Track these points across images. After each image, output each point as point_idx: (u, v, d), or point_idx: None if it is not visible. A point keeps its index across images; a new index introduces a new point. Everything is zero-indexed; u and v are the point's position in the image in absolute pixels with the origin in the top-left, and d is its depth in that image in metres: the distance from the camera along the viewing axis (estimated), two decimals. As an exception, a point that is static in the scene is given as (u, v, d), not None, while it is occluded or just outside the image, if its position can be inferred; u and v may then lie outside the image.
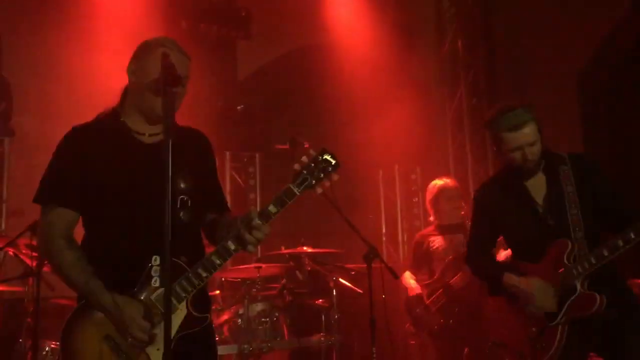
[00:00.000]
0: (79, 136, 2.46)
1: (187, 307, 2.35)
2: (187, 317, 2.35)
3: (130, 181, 2.39)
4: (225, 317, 4.47)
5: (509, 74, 6.82)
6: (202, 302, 2.43)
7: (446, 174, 5.54)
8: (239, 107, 6.72)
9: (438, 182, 4.73)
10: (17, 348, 4.49)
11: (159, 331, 2.24)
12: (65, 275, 2.36)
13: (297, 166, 2.36)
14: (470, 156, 7.09)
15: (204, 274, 2.34)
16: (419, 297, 4.48)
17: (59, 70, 5.75)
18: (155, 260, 2.33)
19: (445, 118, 7.34)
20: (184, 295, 2.33)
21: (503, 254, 4.26)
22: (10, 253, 4.57)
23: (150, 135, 2.47)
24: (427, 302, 4.46)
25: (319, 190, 2.37)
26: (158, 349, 2.28)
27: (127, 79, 2.51)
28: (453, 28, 7.27)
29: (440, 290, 4.45)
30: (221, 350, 4.23)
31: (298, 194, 2.34)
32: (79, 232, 2.49)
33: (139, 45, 2.51)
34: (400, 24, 7.17)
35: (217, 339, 4.36)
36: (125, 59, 2.52)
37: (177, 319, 2.32)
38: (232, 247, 2.33)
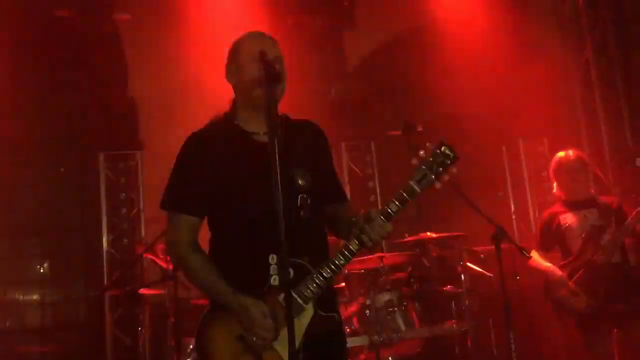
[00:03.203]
0: (198, 141, 2.50)
1: (313, 307, 2.35)
2: (315, 317, 2.35)
3: (249, 181, 2.41)
4: (353, 308, 4.45)
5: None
6: (329, 301, 2.43)
7: (577, 143, 5.12)
8: (332, 92, 6.65)
9: (558, 155, 4.39)
10: (165, 347, 4.81)
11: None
12: (194, 278, 2.46)
13: (415, 161, 2.31)
14: (604, 122, 6.52)
15: (328, 274, 2.34)
16: (561, 278, 4.10)
17: (179, 80, 6.05)
18: (272, 259, 2.34)
19: (573, 84, 6.81)
20: (309, 295, 2.33)
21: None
22: (149, 258, 4.91)
23: (264, 133, 2.45)
24: (570, 283, 4.09)
25: (438, 185, 2.32)
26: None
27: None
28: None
29: (583, 269, 4.10)
30: (352, 341, 4.24)
31: (419, 191, 2.30)
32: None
33: (230, 49, 2.56)
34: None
35: (347, 330, 4.44)
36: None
37: (305, 318, 2.33)
38: (355, 247, 2.32)
